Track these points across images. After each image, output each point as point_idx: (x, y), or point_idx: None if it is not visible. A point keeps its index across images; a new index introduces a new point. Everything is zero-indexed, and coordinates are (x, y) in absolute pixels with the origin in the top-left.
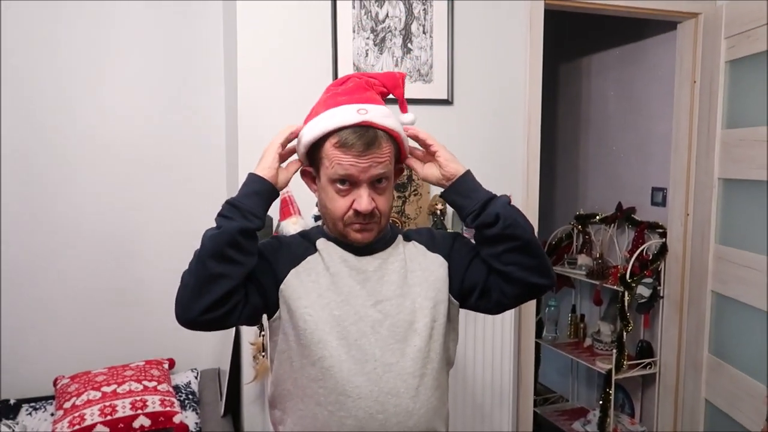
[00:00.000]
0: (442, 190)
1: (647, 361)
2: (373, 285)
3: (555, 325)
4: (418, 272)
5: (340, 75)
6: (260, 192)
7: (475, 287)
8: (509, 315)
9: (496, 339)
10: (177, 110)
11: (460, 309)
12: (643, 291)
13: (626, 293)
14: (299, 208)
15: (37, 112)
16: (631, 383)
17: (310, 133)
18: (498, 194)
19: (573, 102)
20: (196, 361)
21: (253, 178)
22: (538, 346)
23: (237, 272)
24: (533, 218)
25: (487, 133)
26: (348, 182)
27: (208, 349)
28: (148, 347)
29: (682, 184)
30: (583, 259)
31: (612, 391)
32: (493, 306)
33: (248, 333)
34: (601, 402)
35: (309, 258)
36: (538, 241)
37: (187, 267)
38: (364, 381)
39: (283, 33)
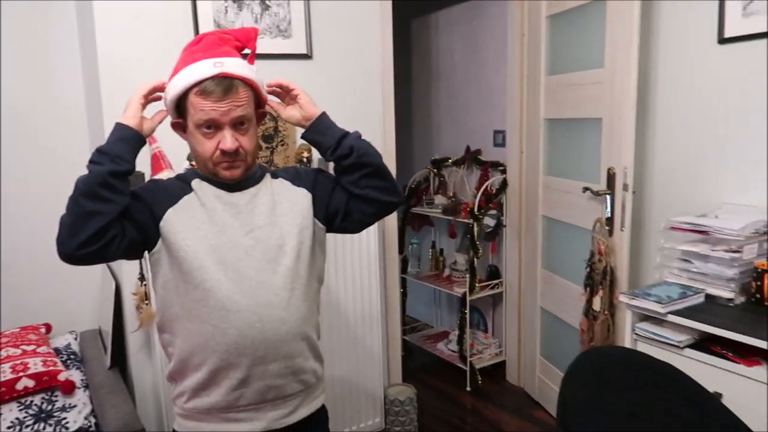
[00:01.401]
0: (303, 131)
1: (495, 282)
2: (245, 216)
3: (418, 261)
4: (285, 203)
5: (201, 32)
6: (126, 138)
7: (338, 211)
8: (375, 254)
9: (363, 276)
10: (33, 72)
11: (329, 233)
12: (489, 221)
13: (475, 225)
14: (170, 162)
15: None
16: (483, 303)
17: (174, 89)
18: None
19: (425, 55)
20: (74, 324)
21: (118, 126)
22: (404, 281)
23: (110, 209)
24: (392, 163)
25: (346, 86)
26: (212, 126)
27: (85, 311)
28: (22, 314)
29: (516, 125)
30: (439, 199)
31: (467, 312)
32: (355, 225)
33: (129, 284)
34: (459, 323)
35: (185, 197)
36: (386, 167)
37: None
38: (241, 297)
39: None
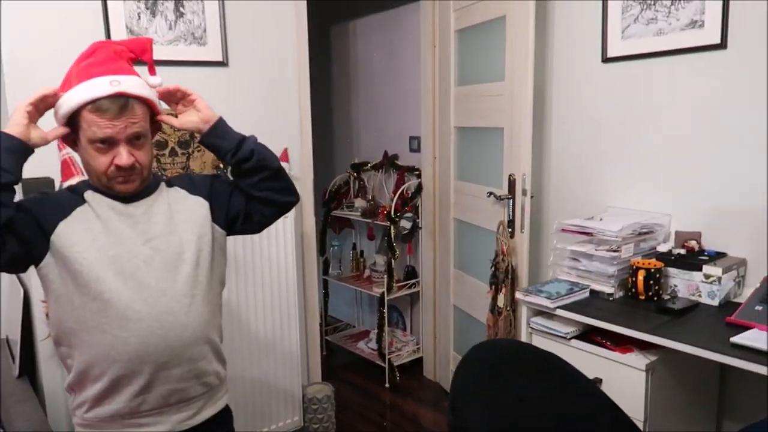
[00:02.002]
0: (203, 136)
1: (412, 281)
2: (142, 226)
3: (339, 262)
4: (183, 213)
5: (114, 38)
6: (10, 149)
7: (239, 214)
8: (291, 256)
9: (281, 278)
10: None
11: (230, 236)
12: (405, 224)
13: (392, 227)
14: (81, 168)
15: None
16: (402, 302)
17: (67, 104)
18: (247, 135)
19: (344, 62)
20: None
21: (3, 135)
22: (326, 282)
23: None
24: (309, 168)
25: (263, 93)
26: (107, 142)
27: None
28: None
29: (430, 132)
30: (359, 202)
31: (386, 311)
32: (256, 227)
33: (39, 292)
34: (378, 322)
35: (78, 209)
36: (283, 168)
37: None
38: (142, 306)
39: None
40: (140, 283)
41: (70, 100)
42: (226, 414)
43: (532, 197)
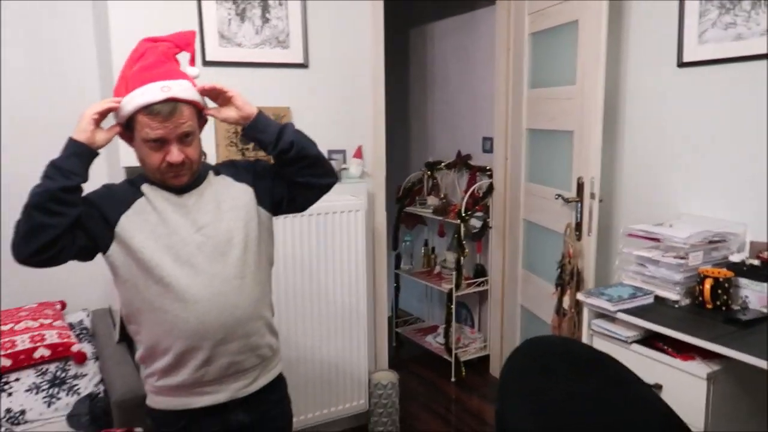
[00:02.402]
0: (244, 130)
1: (481, 279)
2: (193, 216)
3: (411, 258)
4: (229, 201)
5: (208, 44)
6: (79, 153)
7: (283, 198)
8: (362, 250)
9: (351, 270)
10: (52, 76)
11: (276, 216)
12: (476, 223)
13: (462, 225)
14: None
15: None
16: (470, 300)
17: (125, 109)
18: (284, 123)
19: (421, 64)
20: (87, 302)
21: (70, 141)
22: (397, 276)
23: (60, 222)
24: (381, 165)
25: (340, 92)
26: (159, 141)
27: (98, 291)
28: (39, 291)
29: (502, 134)
30: (431, 200)
31: (453, 306)
32: (299, 207)
33: None
34: (446, 317)
35: (137, 202)
36: (321, 153)
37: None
38: (198, 289)
39: (150, 5)
40: (195, 268)
41: (126, 105)
42: (279, 381)
43: (601, 201)
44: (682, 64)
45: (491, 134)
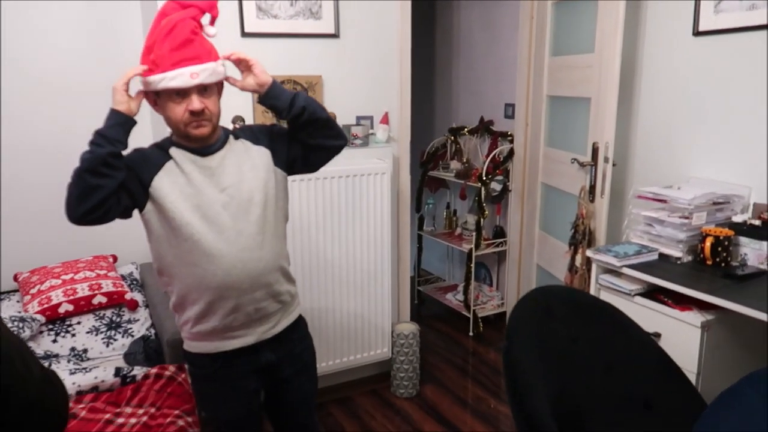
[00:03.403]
0: (260, 96)
1: (500, 240)
2: (217, 177)
3: (433, 220)
4: (249, 162)
5: (246, 16)
6: (120, 122)
7: (296, 159)
8: (387, 210)
9: (377, 229)
10: (98, 39)
11: (291, 175)
12: (496, 186)
13: (482, 189)
14: None
15: None
16: (489, 260)
17: (157, 85)
18: (298, 91)
19: (447, 31)
20: (135, 256)
21: (112, 112)
22: (420, 237)
23: (109, 184)
24: (406, 131)
25: (368, 61)
26: (181, 93)
27: (145, 245)
28: (93, 246)
29: (524, 100)
30: (454, 164)
31: (473, 266)
32: (312, 168)
33: None
34: (465, 275)
35: (166, 164)
36: (330, 117)
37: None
38: (224, 245)
39: None
40: (220, 226)
41: (158, 83)
42: (299, 321)
43: (614, 165)
44: (697, 33)
45: (513, 101)
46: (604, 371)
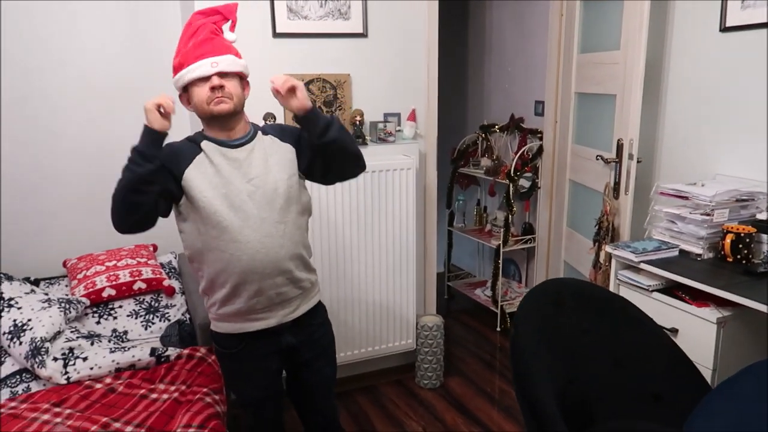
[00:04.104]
0: (298, 117)
1: (528, 237)
2: (245, 169)
3: (463, 216)
4: (275, 156)
5: (278, 17)
6: (156, 140)
7: (315, 172)
8: (412, 206)
9: (402, 224)
10: (140, 42)
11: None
12: (524, 183)
13: (511, 185)
14: None
15: (19, 49)
16: (519, 256)
17: (182, 81)
18: (332, 116)
19: (479, 31)
20: (174, 246)
21: (148, 130)
22: (450, 233)
23: (149, 199)
24: (433, 128)
25: (396, 60)
26: (203, 80)
27: None
28: (135, 236)
29: (553, 97)
30: (484, 161)
31: (501, 262)
32: (326, 183)
33: None
34: (493, 271)
35: (197, 157)
36: (357, 146)
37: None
38: (249, 231)
39: None
40: (246, 214)
41: (183, 78)
42: (319, 308)
43: (639, 161)
44: (724, 29)
45: (543, 98)
46: (614, 364)
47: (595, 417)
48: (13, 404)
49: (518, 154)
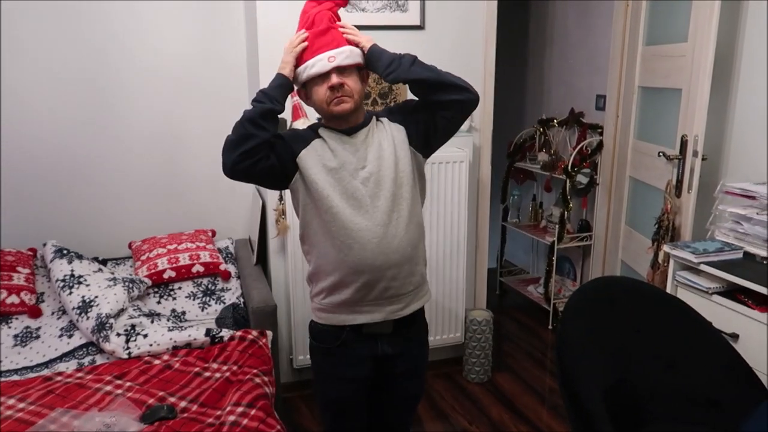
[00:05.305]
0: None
1: (585, 234)
2: (360, 154)
3: (518, 211)
4: (387, 140)
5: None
6: (283, 85)
7: (429, 126)
8: (464, 199)
9: (455, 218)
10: (205, 35)
11: (428, 157)
12: (582, 179)
13: (568, 181)
14: (306, 112)
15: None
16: (574, 254)
17: (302, 76)
18: (403, 55)
19: (541, 24)
20: (231, 232)
21: (279, 75)
22: (504, 228)
23: (263, 135)
24: (488, 121)
25: (453, 52)
26: (322, 76)
27: (240, 223)
28: (196, 221)
29: (615, 91)
30: (541, 156)
31: (555, 259)
32: (443, 129)
33: (271, 202)
34: (546, 268)
35: (315, 141)
36: (441, 74)
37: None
38: (361, 219)
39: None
40: (358, 201)
41: (302, 74)
42: (423, 323)
43: (705, 159)
44: None
45: (605, 92)
46: (668, 366)
47: (645, 419)
48: (79, 374)
49: (577, 149)
